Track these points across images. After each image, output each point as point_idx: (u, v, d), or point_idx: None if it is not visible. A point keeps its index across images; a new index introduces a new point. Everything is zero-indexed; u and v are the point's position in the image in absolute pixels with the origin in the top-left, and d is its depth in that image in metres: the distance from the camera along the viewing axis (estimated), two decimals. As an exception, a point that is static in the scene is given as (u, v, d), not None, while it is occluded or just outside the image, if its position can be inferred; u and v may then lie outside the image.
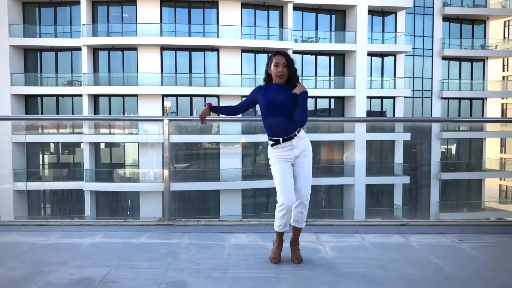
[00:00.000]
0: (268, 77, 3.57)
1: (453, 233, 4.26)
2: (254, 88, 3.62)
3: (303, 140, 3.52)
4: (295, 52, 26.68)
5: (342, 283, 3.08)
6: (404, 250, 3.83)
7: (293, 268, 3.37)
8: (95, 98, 25.85)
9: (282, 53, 3.51)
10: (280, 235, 3.59)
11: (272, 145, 3.53)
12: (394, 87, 28.44)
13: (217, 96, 26.22)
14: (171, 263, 3.45)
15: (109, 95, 25.95)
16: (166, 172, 4.60)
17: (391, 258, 3.60)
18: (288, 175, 3.47)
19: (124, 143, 26.95)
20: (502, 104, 40.74)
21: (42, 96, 26.18)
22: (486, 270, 3.42)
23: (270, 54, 3.60)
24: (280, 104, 3.45)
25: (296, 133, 3.48)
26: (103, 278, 3.12)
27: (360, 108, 27.22)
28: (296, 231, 3.58)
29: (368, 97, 27.69)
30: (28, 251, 3.76)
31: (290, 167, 3.51)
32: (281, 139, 3.48)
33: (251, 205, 26.61)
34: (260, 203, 27.03)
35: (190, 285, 3.04)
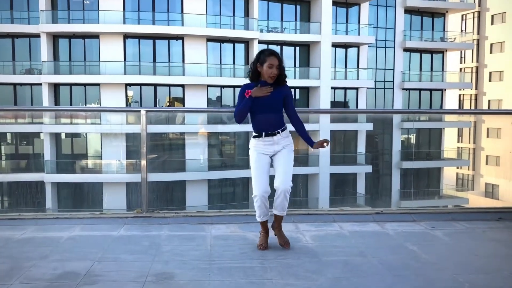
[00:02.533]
0: (254, 73, 3.58)
1: (425, 221, 4.44)
2: (242, 86, 3.61)
3: (286, 138, 3.63)
4: (260, 42, 26.69)
5: (325, 271, 3.16)
6: (381, 238, 3.96)
7: (277, 257, 3.43)
8: (55, 87, 25.06)
9: (276, 54, 3.55)
10: (263, 225, 3.68)
11: (254, 137, 3.63)
12: (358, 78, 28.98)
13: (182, 86, 25.95)
14: (155, 255, 3.44)
15: (70, 84, 25.20)
16: (144, 162, 4.55)
17: (369, 246, 3.72)
18: (262, 167, 3.58)
19: (86, 133, 26.30)
20: (460, 95, 42.23)
21: (-2, 84, 25.16)
22: (459, 255, 3.59)
23: (261, 52, 3.60)
24: (272, 103, 3.54)
25: (280, 131, 3.58)
26: (87, 272, 3.08)
27: (324, 99, 27.57)
28: (278, 218, 3.69)
29: (332, 87, 28.07)
30: (4, 245, 3.66)
31: (266, 159, 3.61)
32: (263, 133, 3.56)
33: (218, 196, 26.62)
34: (226, 193, 27.09)
35: (178, 276, 3.05)
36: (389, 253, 3.55)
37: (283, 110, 3.64)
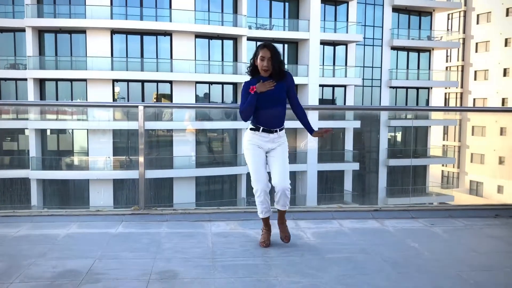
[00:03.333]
0: (253, 68, 3.53)
1: (424, 218, 4.45)
2: (244, 83, 3.55)
3: (281, 138, 3.59)
4: (249, 39, 26.62)
5: (330, 268, 3.15)
6: (382, 235, 3.96)
7: (280, 254, 3.41)
8: (41, 82, 24.67)
9: (268, 46, 3.47)
10: (265, 221, 3.65)
11: (250, 129, 3.57)
12: (345, 76, 29.10)
13: (170, 82, 25.76)
14: (157, 253, 3.39)
15: (56, 80, 24.83)
16: (142, 159, 4.49)
17: (371, 243, 3.72)
18: (259, 161, 3.54)
19: (72, 129, 25.96)
20: (445, 94, 42.70)
21: (-18, 79, 24.70)
22: (460, 252, 3.60)
23: (257, 45, 3.57)
24: (275, 96, 3.48)
25: (278, 130, 3.53)
26: (89, 270, 3.02)
27: (312, 96, 27.63)
28: (281, 213, 3.66)
29: (320, 85, 28.15)
30: None
31: (262, 153, 3.57)
32: (261, 128, 3.51)
33: (205, 193, 26.52)
34: (214, 190, 27.00)
35: (181, 274, 3.00)
36: (392, 250, 3.54)
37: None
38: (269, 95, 3.47)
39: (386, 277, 3.01)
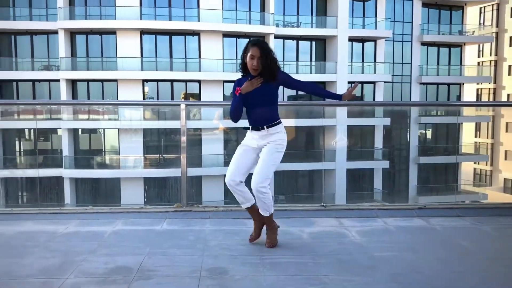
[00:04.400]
0: (243, 65, 3.47)
1: (470, 216, 4.33)
2: (235, 81, 3.52)
3: (273, 135, 3.45)
4: (276, 36, 26.57)
5: (379, 266, 3.09)
6: (429, 233, 3.88)
7: (328, 253, 3.37)
8: (73, 83, 25.23)
9: (258, 44, 3.37)
10: (249, 212, 3.60)
11: (244, 128, 3.56)
12: (375, 73, 28.73)
13: (199, 81, 25.96)
14: (204, 250, 3.40)
15: (88, 80, 25.36)
16: (184, 157, 4.52)
17: (419, 241, 3.64)
18: (238, 156, 3.51)
19: (104, 129, 26.44)
20: (477, 89, 41.69)
21: (17, 81, 25.38)
22: (513, 251, 3.49)
23: (248, 40, 3.50)
24: (261, 95, 3.40)
25: (266, 127, 3.43)
26: (140, 267, 3.05)
27: (341, 93, 27.31)
28: (263, 218, 3.54)
29: (349, 82, 27.82)
30: (50, 240, 3.65)
31: (249, 152, 3.51)
32: (250, 127, 3.49)
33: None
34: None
35: (231, 271, 3.00)
36: (441, 249, 3.46)
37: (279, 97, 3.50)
38: (256, 94, 3.38)
39: (439, 276, 2.94)
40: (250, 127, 3.48)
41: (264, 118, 3.43)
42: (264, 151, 3.44)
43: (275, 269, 3.04)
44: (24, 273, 2.95)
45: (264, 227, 3.60)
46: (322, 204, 4.60)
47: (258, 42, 3.40)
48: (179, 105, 4.47)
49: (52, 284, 2.77)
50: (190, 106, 4.55)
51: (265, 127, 3.42)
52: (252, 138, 3.50)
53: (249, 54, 3.35)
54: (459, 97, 31.70)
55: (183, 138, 4.50)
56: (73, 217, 4.29)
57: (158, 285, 2.78)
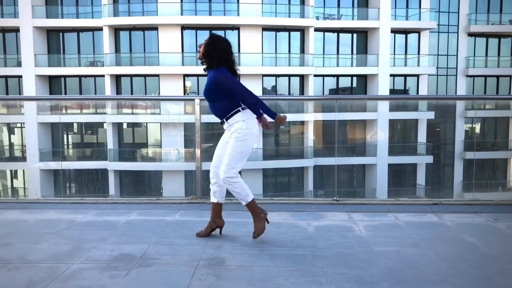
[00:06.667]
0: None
1: (488, 213, 4.22)
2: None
3: (232, 126, 3.48)
4: (316, 29, 26.35)
5: (376, 260, 3.09)
6: (437, 229, 3.82)
7: (329, 246, 3.39)
8: (117, 78, 26.05)
9: (211, 35, 3.57)
10: (212, 207, 3.68)
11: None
12: (418, 65, 27.94)
13: (238, 76, 26.11)
14: (208, 240, 3.51)
15: (131, 76, 26.11)
16: (198, 151, 4.64)
17: (424, 237, 3.60)
18: (219, 147, 3.64)
19: (147, 123, 27.18)
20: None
21: (65, 76, 26.49)
22: (524, 249, 3.39)
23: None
24: (206, 91, 3.57)
25: (225, 120, 3.50)
26: (143, 255, 3.19)
27: (383, 87, 26.83)
28: (217, 221, 3.67)
29: (391, 75, 27.25)
30: (67, 228, 3.86)
31: (225, 139, 3.61)
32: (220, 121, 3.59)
33: (272, 185, 26.71)
34: (281, 183, 27.13)
35: (228, 261, 3.09)
36: (445, 245, 3.41)
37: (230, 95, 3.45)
38: (205, 91, 3.57)
39: (435, 271, 2.91)
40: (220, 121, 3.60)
41: (219, 113, 3.52)
42: (228, 145, 3.52)
43: (272, 260, 3.10)
44: (36, 258, 3.15)
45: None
46: (335, 198, 4.60)
47: (214, 34, 3.59)
48: (193, 99, 4.59)
49: (58, 268, 2.95)
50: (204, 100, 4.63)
51: (224, 120, 3.51)
52: (225, 131, 3.63)
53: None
54: (509, 89, 30.35)
55: (198, 133, 4.61)
56: (93, 206, 4.51)
57: (156, 273, 2.90)
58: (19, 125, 26.87)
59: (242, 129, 3.45)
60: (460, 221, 3.99)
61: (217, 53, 3.47)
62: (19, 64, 25.49)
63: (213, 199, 3.66)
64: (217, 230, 3.68)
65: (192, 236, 3.62)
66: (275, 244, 3.43)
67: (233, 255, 3.20)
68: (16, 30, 25.19)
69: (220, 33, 23.12)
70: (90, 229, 3.82)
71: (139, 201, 4.65)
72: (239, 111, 3.47)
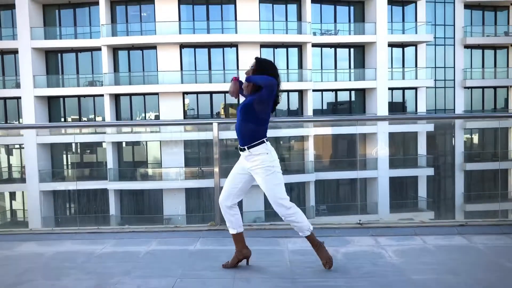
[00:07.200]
0: None
1: (517, 233, 4.12)
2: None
3: (258, 157, 3.30)
4: (314, 45, 26.45)
5: (417, 291, 2.98)
6: (471, 253, 3.71)
7: (362, 275, 3.27)
8: (116, 97, 25.98)
9: (256, 59, 3.42)
10: (233, 238, 3.53)
11: (235, 148, 3.50)
12: (416, 78, 28.04)
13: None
14: (236, 272, 3.39)
15: (130, 94, 26.06)
16: (217, 170, 4.53)
17: (460, 262, 3.48)
18: (231, 180, 3.45)
19: (146, 141, 27.05)
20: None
21: (64, 97, 26.39)
22: None
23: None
24: (238, 110, 3.41)
25: (247, 148, 3.31)
26: (171, 290, 3.07)
27: (381, 100, 26.88)
28: (245, 251, 3.53)
29: (389, 88, 27.30)
30: (87, 261, 3.73)
31: (240, 171, 3.44)
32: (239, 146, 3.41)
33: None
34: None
35: (262, 295, 2.97)
36: (484, 271, 3.30)
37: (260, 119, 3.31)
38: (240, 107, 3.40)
39: (481, 302, 2.80)
40: (239, 147, 3.40)
41: (245, 138, 3.32)
42: (258, 181, 3.36)
43: (307, 293, 2.98)
44: (61, 296, 3.02)
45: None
46: (359, 221, 4.49)
47: (260, 58, 3.44)
48: (211, 123, 4.51)
49: (86, 308, 2.82)
50: (222, 124, 4.57)
51: (245, 148, 3.31)
52: (241, 157, 3.43)
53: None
54: (507, 100, 30.48)
55: (216, 154, 4.51)
56: (110, 236, 4.37)
57: (188, 310, 2.78)
58: (17, 146, 26.70)
59: (268, 161, 3.30)
60: (491, 244, 3.88)
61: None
62: (17, 85, 25.40)
63: (232, 231, 3.51)
64: (244, 260, 3.56)
65: (218, 267, 3.50)
66: (306, 275, 3.31)
67: (266, 288, 3.08)
68: (14, 52, 25.16)
69: (219, 50, 23.27)
70: (112, 262, 3.68)
71: (157, 229, 4.53)
72: (263, 142, 3.32)
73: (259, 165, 3.30)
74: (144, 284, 3.18)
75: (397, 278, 3.20)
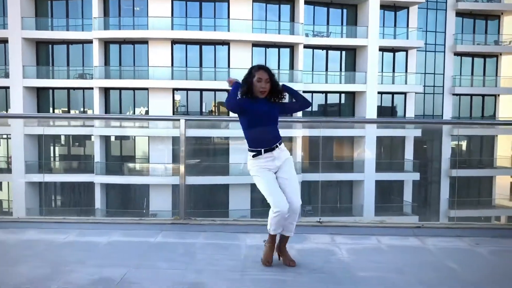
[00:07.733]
0: (248, 88, 3.52)
1: (470, 237, 4.24)
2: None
3: (284, 152, 3.53)
4: (306, 46, 26.57)
5: (359, 286, 3.09)
6: (420, 254, 3.82)
7: (311, 271, 3.38)
8: (106, 91, 25.93)
9: (265, 68, 3.52)
10: (273, 237, 3.51)
11: (253, 156, 3.48)
12: (406, 83, 28.26)
13: (228, 91, 26.17)
14: (189, 264, 3.48)
15: (120, 89, 26.02)
16: (182, 168, 4.61)
17: (407, 262, 3.60)
18: (274, 183, 3.43)
19: (135, 136, 27.04)
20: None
21: (53, 88, 26.32)
22: (502, 276, 3.40)
23: (251, 67, 3.60)
24: (267, 114, 3.47)
25: (278, 144, 3.48)
26: (121, 279, 3.15)
27: (370, 104, 27.06)
28: (285, 239, 3.54)
29: (379, 92, 27.50)
30: (47, 249, 3.81)
31: (273, 175, 3.48)
32: (262, 150, 3.45)
33: (260, 200, 26.60)
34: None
35: (209, 286, 3.06)
36: (428, 271, 3.41)
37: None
38: (264, 113, 3.46)
39: (416, 299, 2.91)
40: (263, 150, 3.45)
41: (276, 136, 3.50)
42: (286, 171, 3.48)
43: (254, 286, 3.08)
44: (14, 282, 3.09)
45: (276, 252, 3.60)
46: (319, 220, 4.60)
47: (263, 66, 3.55)
48: (178, 120, 4.59)
49: (35, 293, 2.90)
50: (190, 121, 4.64)
51: (277, 144, 3.48)
52: (266, 161, 3.45)
53: (256, 78, 3.46)
54: (495, 109, 30.80)
55: (182, 149, 4.59)
56: (75, 226, 4.45)
57: (135, 298, 2.87)
58: (4, 136, 26.58)
59: (291, 157, 3.57)
60: (442, 246, 4.00)
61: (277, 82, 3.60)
62: (6, 75, 25.28)
63: (278, 231, 3.49)
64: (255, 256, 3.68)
65: (174, 259, 3.59)
66: (257, 269, 3.41)
67: (215, 280, 3.17)
68: (4, 41, 25.03)
69: (210, 48, 23.28)
70: (70, 251, 3.76)
71: (122, 221, 4.61)
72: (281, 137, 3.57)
73: (287, 156, 3.54)
74: (97, 273, 3.26)
75: (343, 275, 3.31)
